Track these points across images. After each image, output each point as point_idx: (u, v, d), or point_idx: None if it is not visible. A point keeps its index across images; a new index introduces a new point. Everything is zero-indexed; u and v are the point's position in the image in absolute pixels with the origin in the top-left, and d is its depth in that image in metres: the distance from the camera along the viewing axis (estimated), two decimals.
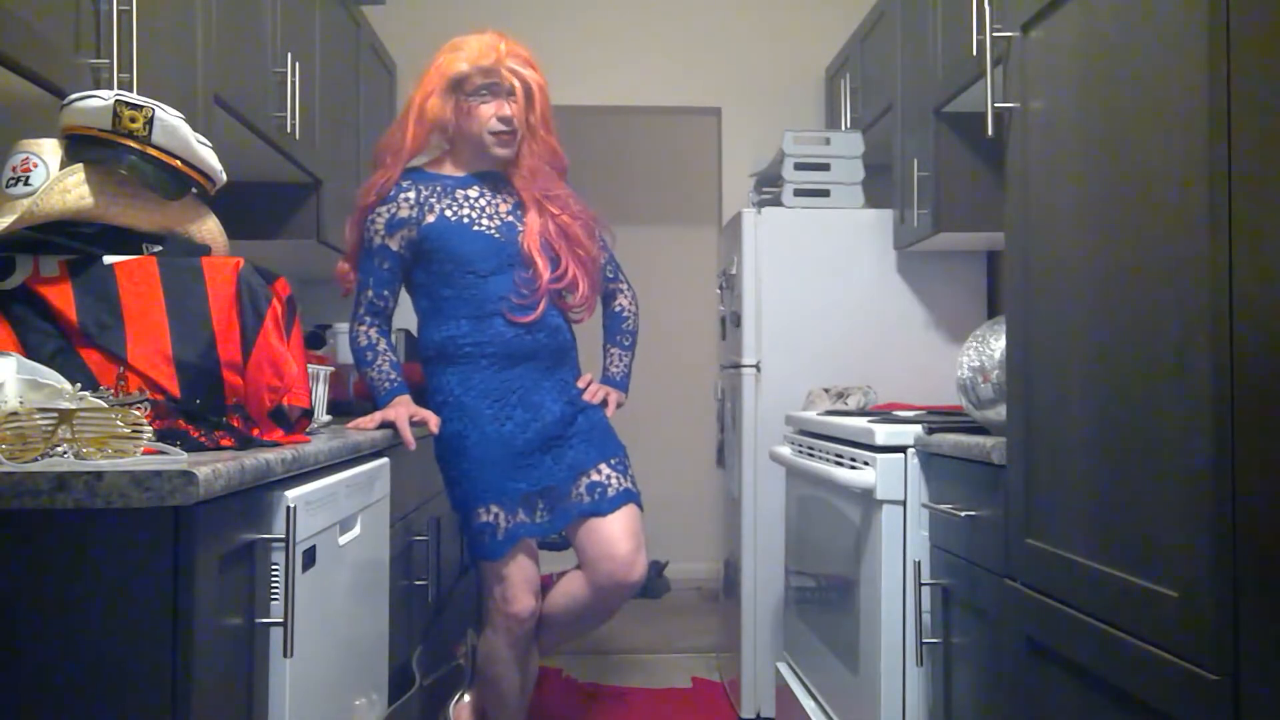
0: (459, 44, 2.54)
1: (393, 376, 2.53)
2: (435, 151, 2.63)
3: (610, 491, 2.55)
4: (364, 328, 2.57)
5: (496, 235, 2.54)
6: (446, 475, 2.57)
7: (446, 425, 2.51)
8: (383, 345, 2.56)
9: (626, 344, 2.80)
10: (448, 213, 2.53)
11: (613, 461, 2.59)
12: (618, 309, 2.81)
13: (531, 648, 2.62)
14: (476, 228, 2.53)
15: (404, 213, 2.53)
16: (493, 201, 2.58)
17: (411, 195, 2.54)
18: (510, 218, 2.57)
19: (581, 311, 2.68)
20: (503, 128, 2.52)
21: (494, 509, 2.47)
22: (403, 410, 2.42)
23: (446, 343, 2.54)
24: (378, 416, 2.41)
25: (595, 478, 2.55)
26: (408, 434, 2.36)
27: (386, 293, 2.57)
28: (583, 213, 2.65)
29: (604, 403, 2.67)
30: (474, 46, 2.52)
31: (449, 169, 2.61)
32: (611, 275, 2.78)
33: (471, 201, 2.56)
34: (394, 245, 2.54)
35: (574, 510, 2.54)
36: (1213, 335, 1.25)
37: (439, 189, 2.56)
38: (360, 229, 2.58)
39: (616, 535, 2.52)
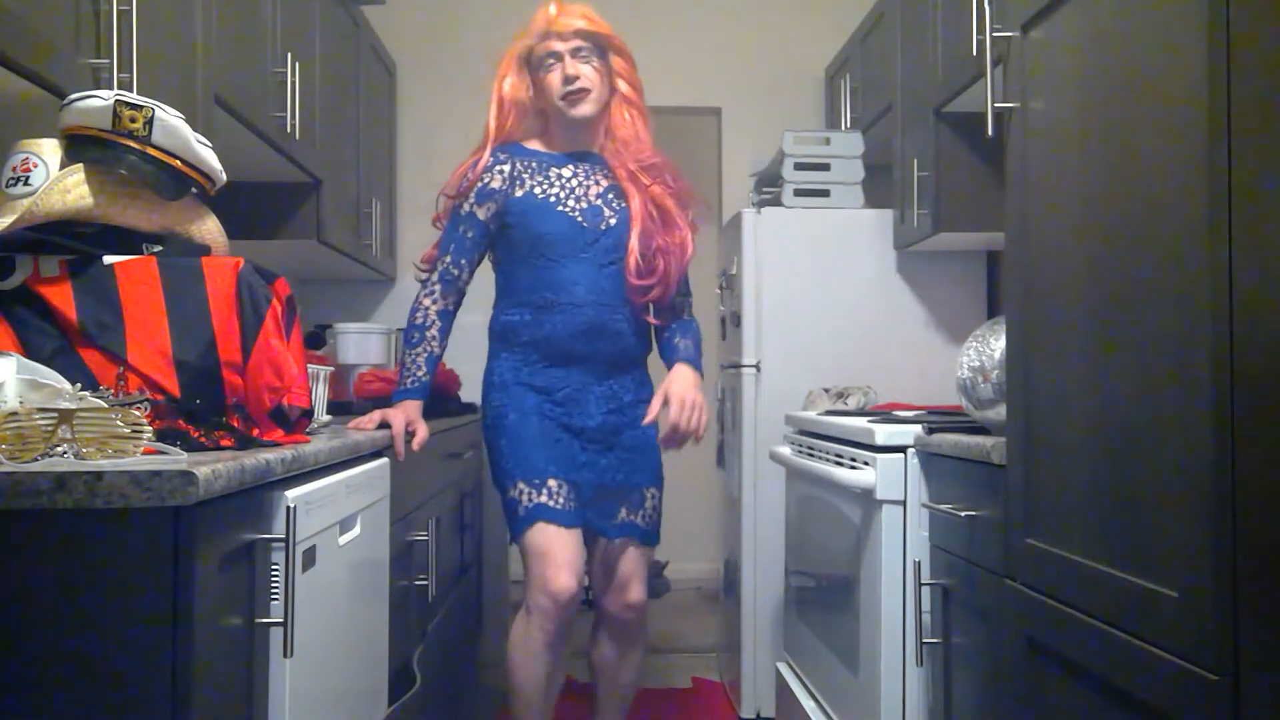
0: (527, 23, 2.54)
1: (417, 374, 2.48)
2: (533, 131, 2.60)
3: (642, 523, 2.58)
4: (428, 301, 2.52)
5: (579, 219, 2.50)
6: (489, 453, 2.58)
7: (492, 402, 2.53)
8: (433, 331, 2.51)
9: (695, 338, 2.66)
10: (536, 190, 2.50)
11: (649, 492, 2.60)
12: (688, 319, 2.69)
13: (562, 648, 2.52)
14: (561, 208, 2.50)
15: (496, 183, 2.51)
16: (584, 183, 2.54)
17: (506, 168, 2.51)
18: (599, 201, 2.53)
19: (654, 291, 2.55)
20: (568, 88, 2.48)
21: (521, 485, 2.46)
22: (400, 416, 2.37)
23: (507, 329, 2.54)
24: (376, 416, 2.39)
25: (626, 504, 2.57)
26: (399, 444, 2.32)
27: (464, 261, 2.53)
28: (677, 183, 2.59)
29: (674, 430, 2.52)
30: (533, 20, 2.52)
31: (543, 147, 2.58)
32: (684, 290, 2.67)
33: (564, 181, 2.53)
34: (481, 215, 2.52)
35: (598, 519, 2.54)
36: (1213, 335, 1.24)
37: (534, 164, 2.54)
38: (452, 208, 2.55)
39: (619, 565, 2.57)
